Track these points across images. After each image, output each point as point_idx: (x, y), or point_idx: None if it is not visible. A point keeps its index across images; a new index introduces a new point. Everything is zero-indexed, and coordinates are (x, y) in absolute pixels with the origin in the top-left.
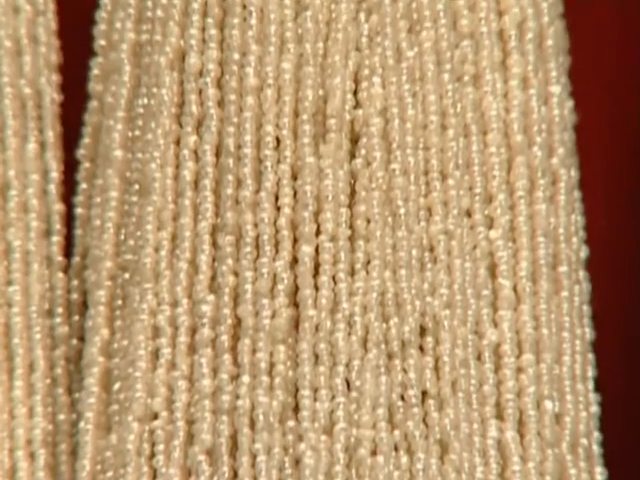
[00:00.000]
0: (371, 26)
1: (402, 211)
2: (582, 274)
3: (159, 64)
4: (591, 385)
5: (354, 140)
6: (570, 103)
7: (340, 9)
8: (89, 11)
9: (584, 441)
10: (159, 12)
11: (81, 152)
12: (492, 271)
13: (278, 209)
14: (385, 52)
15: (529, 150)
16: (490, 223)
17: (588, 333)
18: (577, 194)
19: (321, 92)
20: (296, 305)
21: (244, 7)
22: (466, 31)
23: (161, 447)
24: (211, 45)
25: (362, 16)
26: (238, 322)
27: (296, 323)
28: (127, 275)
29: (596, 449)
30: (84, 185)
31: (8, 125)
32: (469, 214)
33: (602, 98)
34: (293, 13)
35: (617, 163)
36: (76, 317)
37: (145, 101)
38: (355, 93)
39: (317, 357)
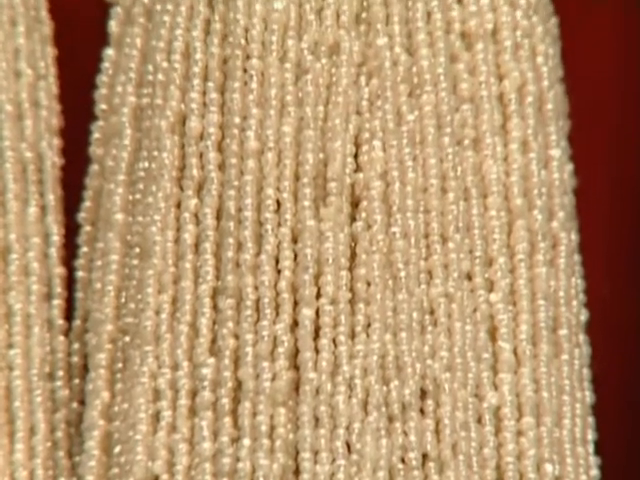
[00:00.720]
0: (371, 90)
1: (402, 274)
2: (582, 337)
3: (160, 127)
4: (591, 448)
5: (354, 203)
6: (570, 167)
7: (340, 73)
8: (90, 75)
9: None
10: (160, 76)
11: (82, 215)
12: (492, 334)
13: (278, 272)
14: (385, 115)
15: (529, 213)
16: (490, 286)
17: (588, 396)
18: (577, 257)
19: (321, 155)
20: (296, 368)
21: (245, 71)
22: (466, 95)
23: None
24: (212, 109)
25: (362, 80)
26: (238, 385)
27: (296, 386)
28: (128, 338)
29: None
30: (85, 248)
31: (9, 189)
32: (469, 277)
33: (602, 162)
34: (293, 77)
35: (617, 227)
36: (77, 380)
37: (146, 164)
38: (356, 156)
39: (317, 420)
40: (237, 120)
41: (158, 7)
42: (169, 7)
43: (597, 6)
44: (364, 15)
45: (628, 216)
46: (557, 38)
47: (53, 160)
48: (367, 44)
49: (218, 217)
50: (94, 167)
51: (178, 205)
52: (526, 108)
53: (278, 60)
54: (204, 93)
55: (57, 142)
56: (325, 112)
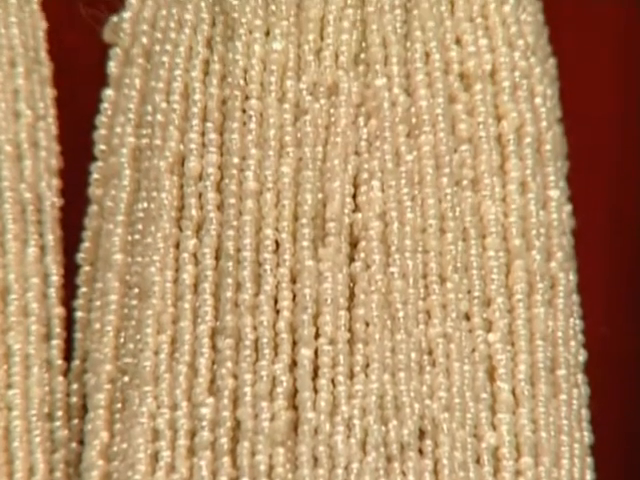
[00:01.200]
0: (370, 130)
1: (401, 314)
2: (581, 378)
3: (159, 168)
4: None
5: (353, 243)
6: (568, 207)
7: (339, 113)
8: (89, 116)
9: None
10: (159, 116)
11: (81, 256)
12: (491, 374)
13: (277, 312)
14: (384, 156)
15: (528, 254)
16: (489, 326)
17: (587, 437)
18: (576, 298)
19: (320, 196)
20: (295, 408)
21: (244, 111)
22: (465, 135)
23: None
24: (211, 149)
25: (361, 120)
26: (237, 425)
27: (295, 426)
28: (126, 378)
29: None
30: (84, 289)
31: (8, 229)
32: (468, 317)
33: (601, 203)
34: (292, 117)
35: (615, 268)
36: (76, 420)
37: (145, 205)
38: (354, 197)
39: (316, 460)
40: (236, 160)
41: (157, 48)
42: (168, 48)
43: (594, 44)
44: (363, 56)
45: (626, 257)
46: (555, 79)
47: (52, 200)
48: (366, 85)
49: (217, 257)
50: (93, 208)
51: (177, 245)
52: (524, 149)
53: (277, 101)
54: (203, 134)
55: (56, 183)
56: (324, 152)
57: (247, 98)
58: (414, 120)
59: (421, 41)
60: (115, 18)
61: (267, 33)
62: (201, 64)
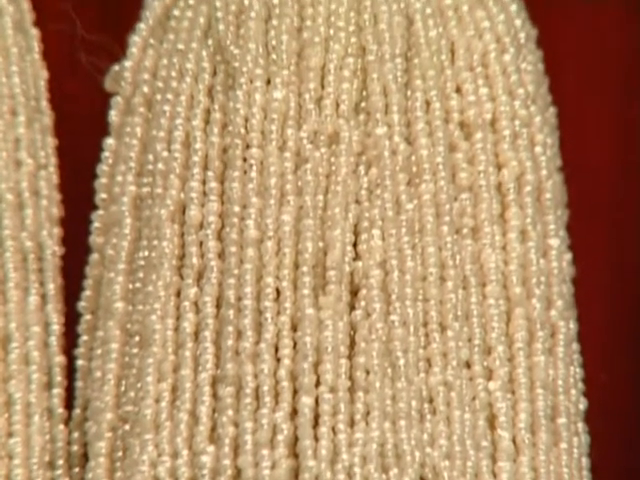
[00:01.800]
0: (370, 179)
1: (401, 362)
2: (581, 426)
3: (160, 216)
4: None
5: (354, 292)
6: (569, 256)
7: (340, 162)
8: (90, 164)
9: None
10: (160, 165)
11: (82, 304)
12: (491, 422)
13: (278, 360)
14: (384, 204)
15: (528, 302)
16: (489, 374)
17: None
18: (576, 346)
19: (321, 244)
20: (296, 456)
21: (244, 160)
22: (465, 184)
23: None
24: (212, 197)
25: (362, 169)
26: (238, 473)
27: (296, 474)
28: (127, 427)
29: None
30: (85, 337)
31: (9, 277)
32: (468, 365)
33: (600, 251)
34: (293, 166)
35: (615, 316)
36: (77, 469)
37: (146, 253)
38: (355, 245)
39: None
40: (237, 209)
41: (158, 97)
42: (169, 97)
43: (595, 92)
44: (363, 104)
45: (626, 305)
46: (555, 128)
47: (53, 249)
48: (366, 133)
49: (218, 305)
50: (94, 256)
51: (178, 293)
52: (525, 197)
53: (278, 149)
54: (204, 182)
55: (57, 231)
56: (324, 201)
57: (248, 147)
58: (414, 169)
59: (422, 90)
60: (116, 67)
61: (268, 82)
62: (202, 113)
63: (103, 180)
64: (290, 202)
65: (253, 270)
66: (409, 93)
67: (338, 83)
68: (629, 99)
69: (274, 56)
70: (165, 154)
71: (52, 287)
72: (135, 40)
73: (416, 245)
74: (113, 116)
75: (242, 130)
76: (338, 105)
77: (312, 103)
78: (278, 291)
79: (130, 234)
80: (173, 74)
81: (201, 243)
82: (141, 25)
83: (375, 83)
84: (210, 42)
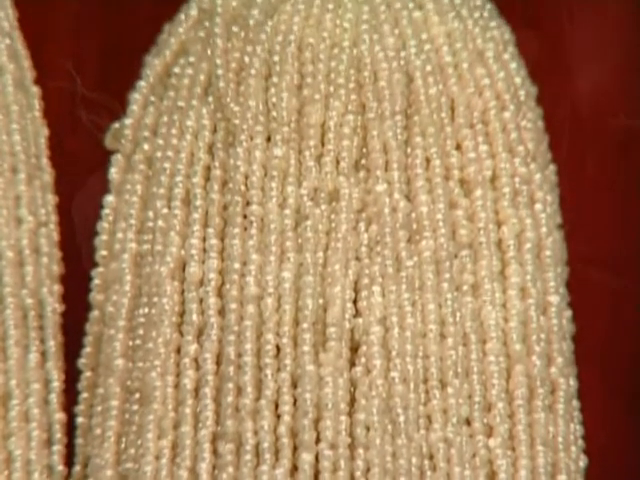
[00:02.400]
0: (371, 236)
1: (402, 419)
2: None
3: (160, 273)
4: None
5: (354, 348)
6: (569, 313)
7: (340, 219)
8: (91, 222)
9: None
10: (160, 222)
11: (82, 361)
12: (491, 479)
13: (278, 417)
14: (385, 261)
15: (528, 359)
16: (489, 431)
17: None
18: (576, 403)
19: (321, 301)
20: None
21: (244, 217)
22: (465, 241)
23: None
24: (212, 254)
25: (362, 226)
26: None
27: None
28: None
29: None
30: (85, 394)
31: (10, 335)
32: (468, 422)
33: (600, 308)
34: (293, 223)
35: (615, 372)
36: None
37: (146, 310)
38: (355, 302)
39: None
40: (237, 266)
41: (158, 154)
42: (169, 154)
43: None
44: (363, 161)
45: (625, 361)
46: (555, 185)
47: (54, 306)
48: (366, 190)
49: (218, 362)
50: (94, 313)
51: (178, 350)
52: (525, 254)
53: (278, 206)
54: (204, 239)
55: (58, 288)
56: (324, 258)
57: (248, 203)
58: (415, 226)
59: (422, 147)
60: (116, 124)
61: (268, 139)
62: (202, 170)
63: (103, 237)
64: (290, 259)
65: (253, 327)
66: (409, 150)
67: (338, 140)
68: (627, 162)
69: (274, 113)
70: (165, 211)
71: (52, 344)
72: (135, 97)
73: (416, 302)
74: (113, 173)
75: (242, 187)
76: (338, 162)
77: (312, 160)
78: (278, 348)
79: (130, 291)
80: (173, 131)
81: (201, 300)
82: (141, 82)
83: (375, 140)
84: (210, 99)
